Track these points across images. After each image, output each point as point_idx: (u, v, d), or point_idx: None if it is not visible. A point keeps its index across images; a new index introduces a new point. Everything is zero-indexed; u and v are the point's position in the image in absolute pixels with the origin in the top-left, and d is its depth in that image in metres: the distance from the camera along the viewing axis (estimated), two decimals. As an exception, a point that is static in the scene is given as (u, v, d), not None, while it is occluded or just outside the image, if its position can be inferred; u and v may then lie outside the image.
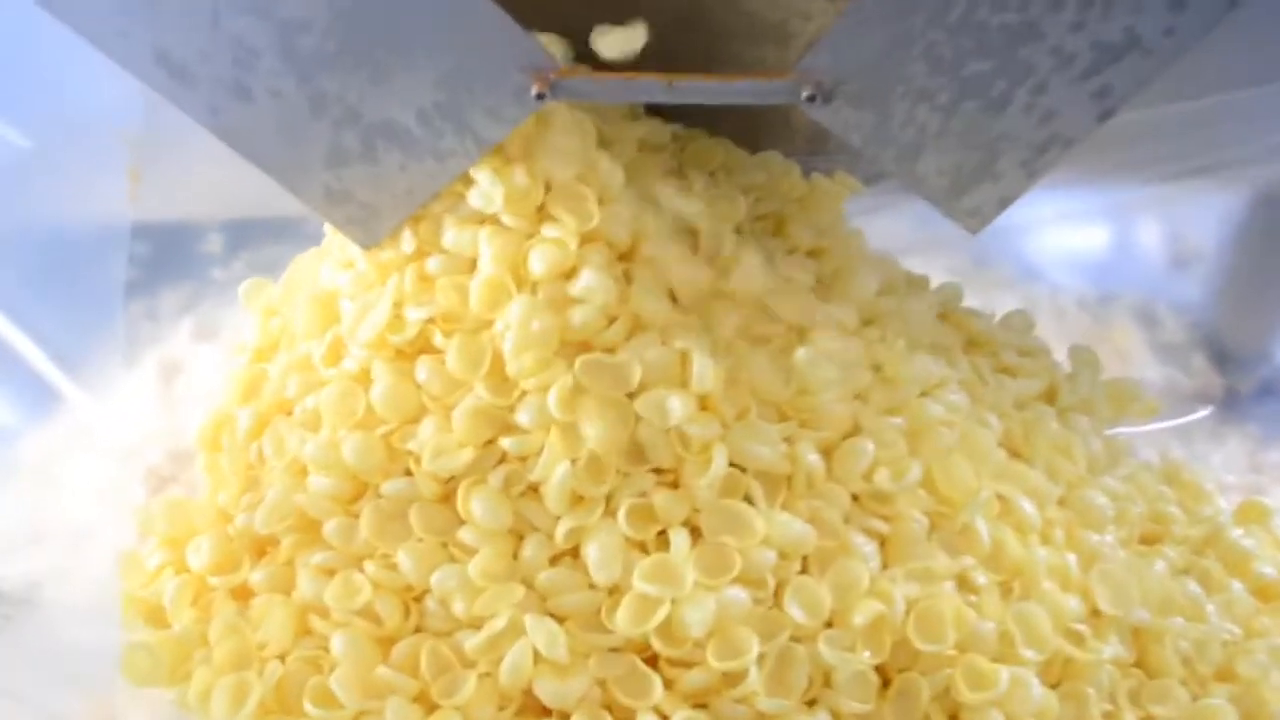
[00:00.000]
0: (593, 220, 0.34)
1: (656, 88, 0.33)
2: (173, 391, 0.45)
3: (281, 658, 0.33)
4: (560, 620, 0.33)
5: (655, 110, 0.41)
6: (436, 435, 0.34)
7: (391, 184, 0.34)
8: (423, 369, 0.35)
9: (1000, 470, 0.37)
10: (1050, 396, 0.42)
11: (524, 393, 0.34)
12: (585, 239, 0.35)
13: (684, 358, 0.35)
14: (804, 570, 0.34)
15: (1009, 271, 0.56)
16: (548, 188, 0.35)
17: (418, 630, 0.34)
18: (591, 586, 0.33)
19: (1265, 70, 0.48)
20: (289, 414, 0.36)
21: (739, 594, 0.33)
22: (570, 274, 0.35)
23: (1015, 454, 0.39)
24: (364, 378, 0.35)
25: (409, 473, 0.34)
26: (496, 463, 0.34)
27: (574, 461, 0.33)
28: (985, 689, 0.33)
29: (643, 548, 0.33)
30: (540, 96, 0.32)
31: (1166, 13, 0.32)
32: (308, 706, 0.32)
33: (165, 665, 0.33)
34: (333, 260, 0.37)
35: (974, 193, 0.36)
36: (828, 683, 0.33)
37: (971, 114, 0.34)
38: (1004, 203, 0.36)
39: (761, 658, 0.32)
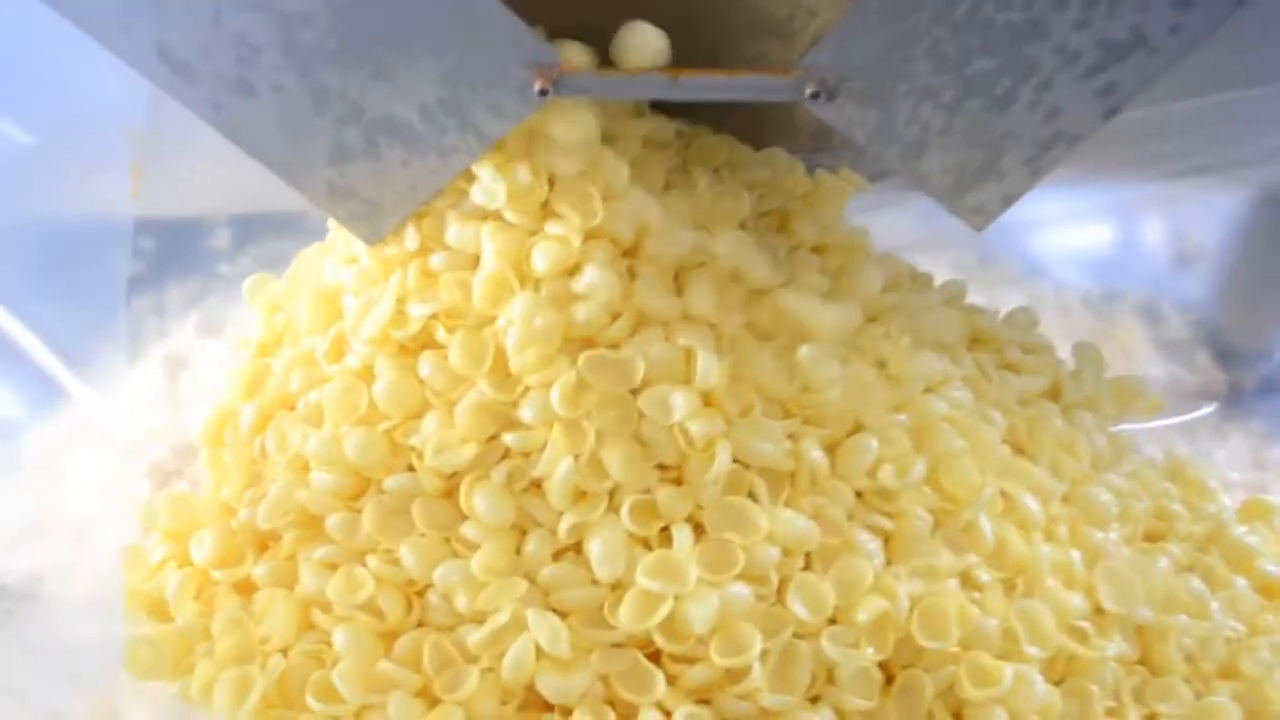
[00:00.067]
0: (597, 217, 0.34)
1: (660, 84, 0.33)
2: (178, 386, 0.45)
3: (284, 652, 0.33)
4: (563, 616, 0.32)
5: (659, 107, 0.40)
6: (439, 431, 0.33)
7: (394, 180, 0.34)
8: (426, 365, 0.34)
9: (1004, 467, 0.37)
10: (1054, 393, 0.42)
11: (527, 389, 0.33)
12: (589, 235, 0.34)
13: (688, 354, 0.34)
14: (807, 567, 0.34)
15: (1013, 268, 0.55)
16: (551, 184, 0.35)
17: (420, 625, 0.33)
18: (594, 582, 0.33)
19: (1270, 69, 0.48)
20: (292, 409, 0.36)
21: (742, 590, 0.32)
22: (573, 270, 0.34)
23: (1019, 451, 0.39)
24: (367, 373, 0.35)
25: (412, 468, 0.34)
26: (499, 458, 0.34)
27: (577, 457, 0.33)
28: (989, 686, 0.32)
29: (646, 544, 0.33)
30: (543, 93, 0.32)
31: (1172, 11, 0.32)
32: (310, 701, 0.31)
33: (168, 659, 0.33)
34: (336, 256, 0.37)
35: (978, 190, 0.35)
36: (831, 679, 0.33)
37: (976, 111, 0.34)
38: (1008, 200, 0.36)
39: (764, 654, 0.32)
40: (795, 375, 0.35)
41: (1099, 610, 0.36)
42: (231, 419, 0.37)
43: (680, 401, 0.33)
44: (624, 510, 0.33)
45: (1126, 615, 0.36)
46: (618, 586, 0.33)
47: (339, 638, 0.32)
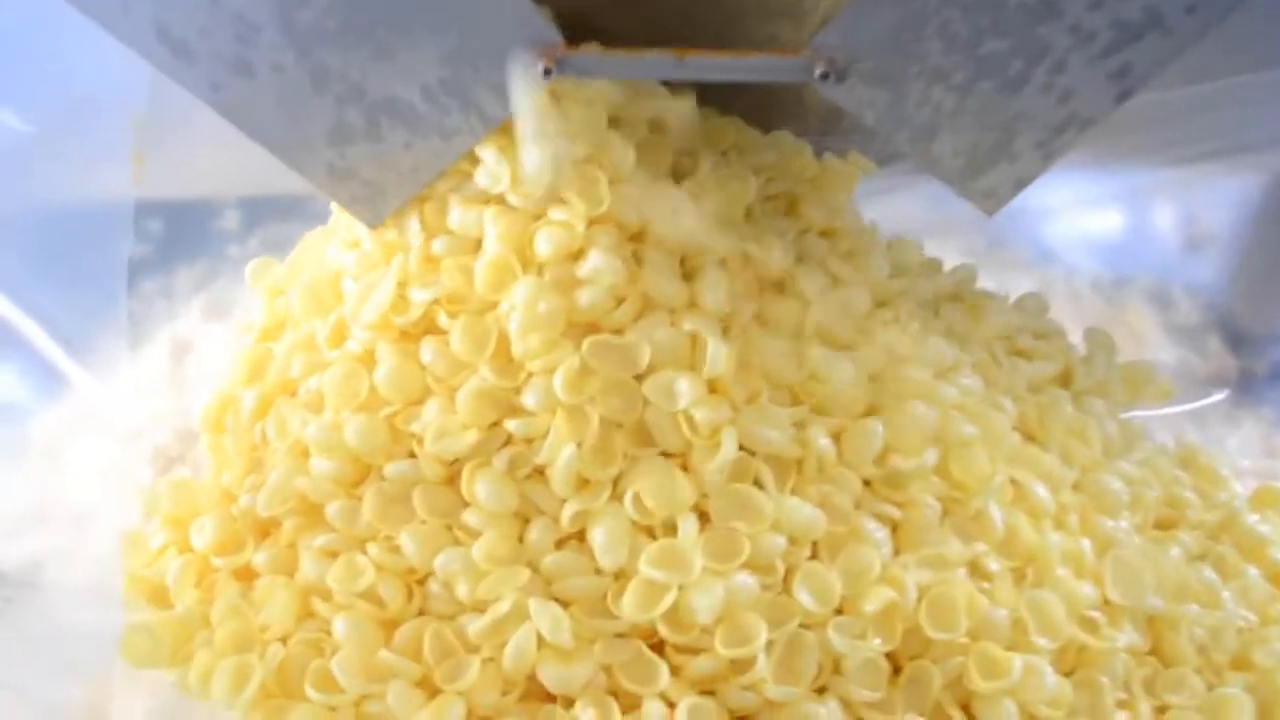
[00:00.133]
0: (603, 204, 0.33)
1: (667, 63, 0.32)
2: (183, 370, 0.44)
3: (283, 640, 0.32)
4: (565, 605, 0.31)
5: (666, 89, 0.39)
6: (440, 417, 0.32)
7: (396, 162, 0.33)
8: (427, 350, 0.33)
9: (1014, 455, 0.36)
10: (1065, 380, 0.41)
11: (530, 374, 0.32)
12: (594, 220, 0.33)
13: (693, 340, 0.33)
14: (814, 556, 0.33)
15: (1023, 254, 0.54)
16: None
17: (421, 613, 0.32)
18: (597, 571, 0.32)
19: (1282, 53, 0.46)
20: (293, 395, 0.35)
21: (748, 580, 0.31)
22: (578, 255, 0.33)
23: (1029, 438, 0.37)
24: (368, 359, 0.34)
25: (413, 455, 0.33)
26: (501, 445, 0.33)
27: (580, 444, 0.32)
28: (998, 677, 0.31)
29: (650, 532, 0.32)
30: (547, 73, 0.31)
31: (1188, -10, 0.31)
32: (309, 690, 0.30)
33: (166, 647, 0.32)
34: (338, 240, 0.36)
35: (990, 174, 0.34)
36: (837, 670, 0.32)
37: (988, 93, 0.32)
38: (1020, 184, 0.35)
39: (770, 645, 0.31)
40: (804, 363, 0.34)
41: (1109, 600, 0.34)
42: (232, 404, 0.36)
43: (685, 388, 0.32)
44: (628, 498, 0.32)
45: (1137, 605, 0.34)
46: (621, 576, 0.32)
47: (339, 626, 0.31)
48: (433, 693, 0.31)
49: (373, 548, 0.32)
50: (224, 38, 0.31)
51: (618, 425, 0.32)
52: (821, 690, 0.31)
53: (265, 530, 0.34)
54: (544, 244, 0.33)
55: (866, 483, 0.34)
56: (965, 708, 0.32)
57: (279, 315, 0.37)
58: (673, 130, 0.37)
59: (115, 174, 0.44)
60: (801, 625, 0.31)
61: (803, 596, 0.32)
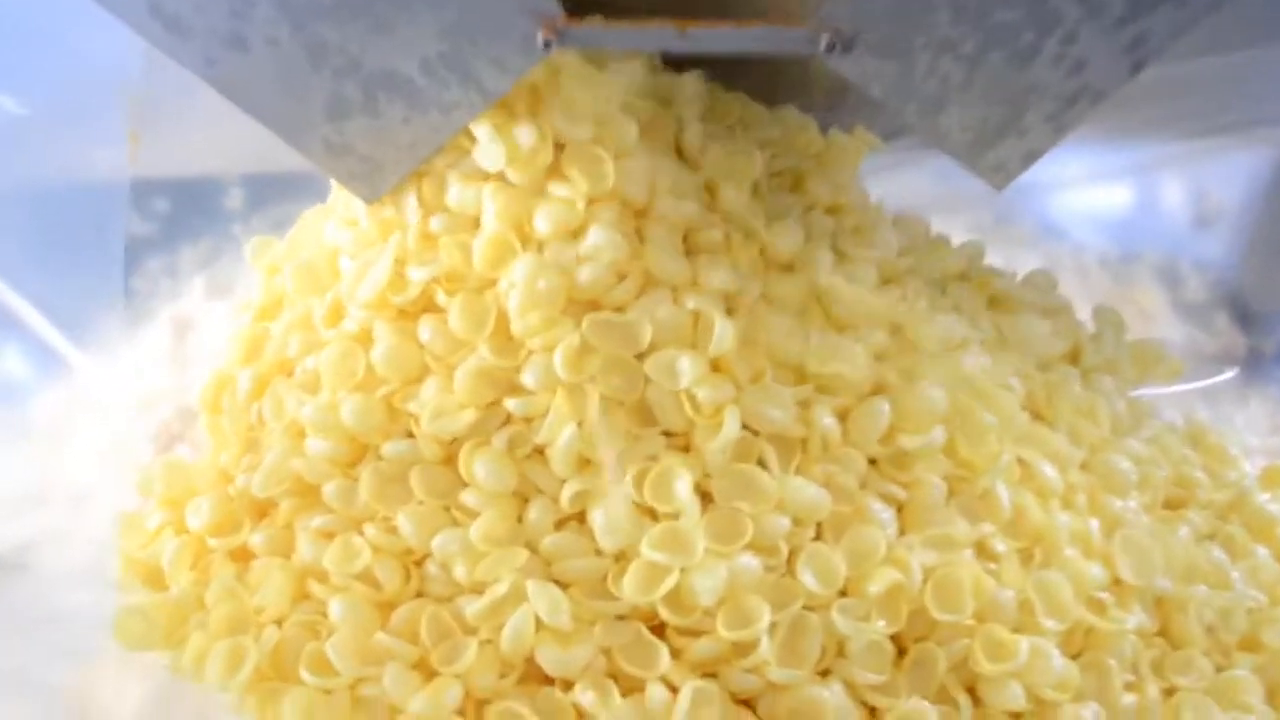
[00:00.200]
0: (607, 182, 0.32)
1: (669, 35, 0.30)
2: (184, 349, 0.43)
3: (279, 623, 0.31)
4: (565, 586, 0.30)
5: (670, 63, 0.37)
6: (438, 396, 0.31)
7: (394, 137, 0.32)
8: (425, 328, 0.32)
9: (1022, 433, 0.35)
10: (1074, 357, 0.40)
11: (529, 353, 0.31)
12: (595, 197, 0.32)
13: (696, 317, 0.32)
14: (818, 537, 0.32)
15: (1031, 230, 0.52)
16: (558, 144, 0.32)
17: (418, 595, 0.31)
18: (597, 552, 0.30)
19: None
20: (291, 375, 0.34)
21: (750, 561, 0.30)
22: (578, 233, 0.32)
23: (1038, 416, 0.36)
24: (365, 338, 0.33)
25: (410, 435, 0.32)
26: (501, 424, 0.32)
27: (580, 424, 0.30)
28: (1004, 660, 0.30)
29: (651, 513, 0.31)
30: (547, 44, 0.30)
31: (1204, -42, 0.29)
32: (304, 673, 0.29)
33: (159, 629, 0.31)
34: (337, 217, 0.35)
35: (999, 147, 0.33)
36: (841, 653, 0.31)
37: (997, 65, 0.31)
38: (1030, 158, 0.33)
39: (773, 627, 0.30)
40: (809, 341, 0.33)
41: (1118, 581, 0.33)
42: (229, 384, 0.35)
43: (688, 366, 0.31)
44: (628, 478, 0.31)
45: (1146, 586, 0.33)
46: (621, 557, 0.30)
47: (334, 608, 0.30)
48: (429, 675, 0.30)
49: (370, 529, 0.31)
50: (218, 12, 0.30)
51: (618, 404, 0.31)
52: (825, 673, 0.30)
53: (262, 511, 0.33)
54: (543, 221, 0.32)
55: (872, 462, 0.33)
56: (971, 690, 0.31)
57: (277, 294, 0.36)
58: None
59: (112, 153, 0.43)
60: (805, 607, 0.30)
61: (806, 578, 0.30)
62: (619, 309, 0.32)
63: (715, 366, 0.32)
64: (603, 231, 0.31)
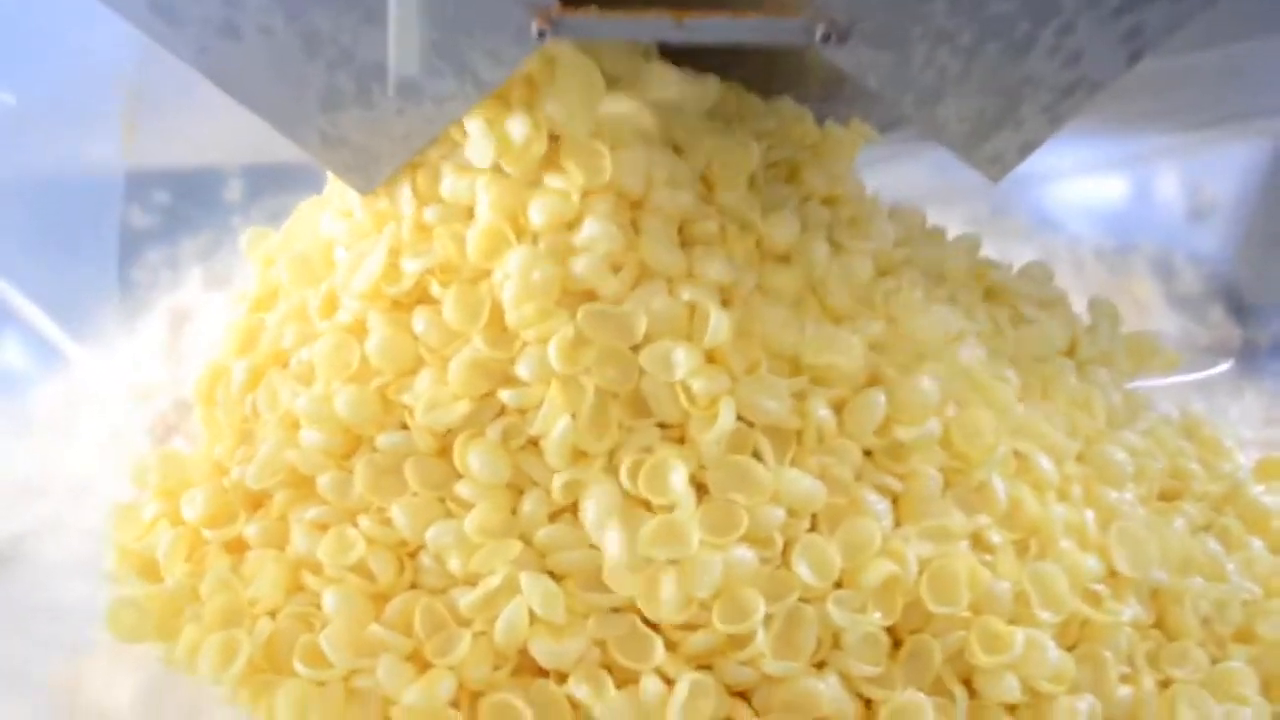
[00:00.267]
0: (604, 175, 0.31)
1: (665, 25, 0.30)
2: (182, 340, 0.42)
3: (272, 614, 0.30)
4: (559, 579, 0.30)
5: (665, 56, 0.37)
6: (432, 388, 0.31)
7: (388, 128, 0.31)
8: (420, 320, 0.31)
9: (1018, 425, 0.34)
10: (1070, 349, 0.39)
11: (524, 344, 0.31)
12: (590, 188, 0.31)
13: (692, 309, 0.31)
14: (813, 529, 0.31)
15: (1026, 222, 0.52)
16: (553, 136, 0.31)
17: (412, 587, 0.30)
18: (592, 545, 0.30)
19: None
20: (285, 366, 0.33)
21: (746, 553, 0.30)
22: (573, 224, 0.31)
23: (1033, 409, 0.35)
24: (359, 329, 0.32)
25: (405, 426, 0.31)
26: (495, 415, 0.31)
27: (575, 415, 0.30)
28: (1000, 652, 0.30)
29: (646, 505, 0.30)
30: (542, 35, 0.29)
31: (1203, -52, 0.28)
32: (297, 665, 0.29)
33: (152, 620, 0.30)
34: (332, 209, 0.34)
35: (995, 139, 0.32)
36: (837, 645, 0.30)
37: (994, 55, 0.30)
38: (1026, 149, 0.32)
39: (768, 619, 0.29)
40: (804, 333, 0.32)
41: (1113, 573, 0.33)
42: (224, 376, 0.34)
43: (683, 358, 0.30)
44: (623, 470, 0.30)
45: (1142, 578, 0.33)
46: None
47: (328, 600, 0.30)
48: (423, 667, 0.29)
49: (364, 520, 0.31)
50: (211, 1, 0.29)
51: (613, 396, 0.31)
52: (821, 665, 0.30)
53: (257, 502, 0.32)
54: (538, 213, 0.31)
55: (867, 454, 0.32)
56: (966, 682, 0.30)
57: (272, 285, 0.35)
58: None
59: (108, 146, 0.42)
60: (800, 599, 0.30)
61: (802, 570, 0.30)
62: (614, 300, 0.31)
63: (710, 358, 0.31)
64: (598, 223, 0.31)
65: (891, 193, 0.39)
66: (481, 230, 0.31)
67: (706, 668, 0.29)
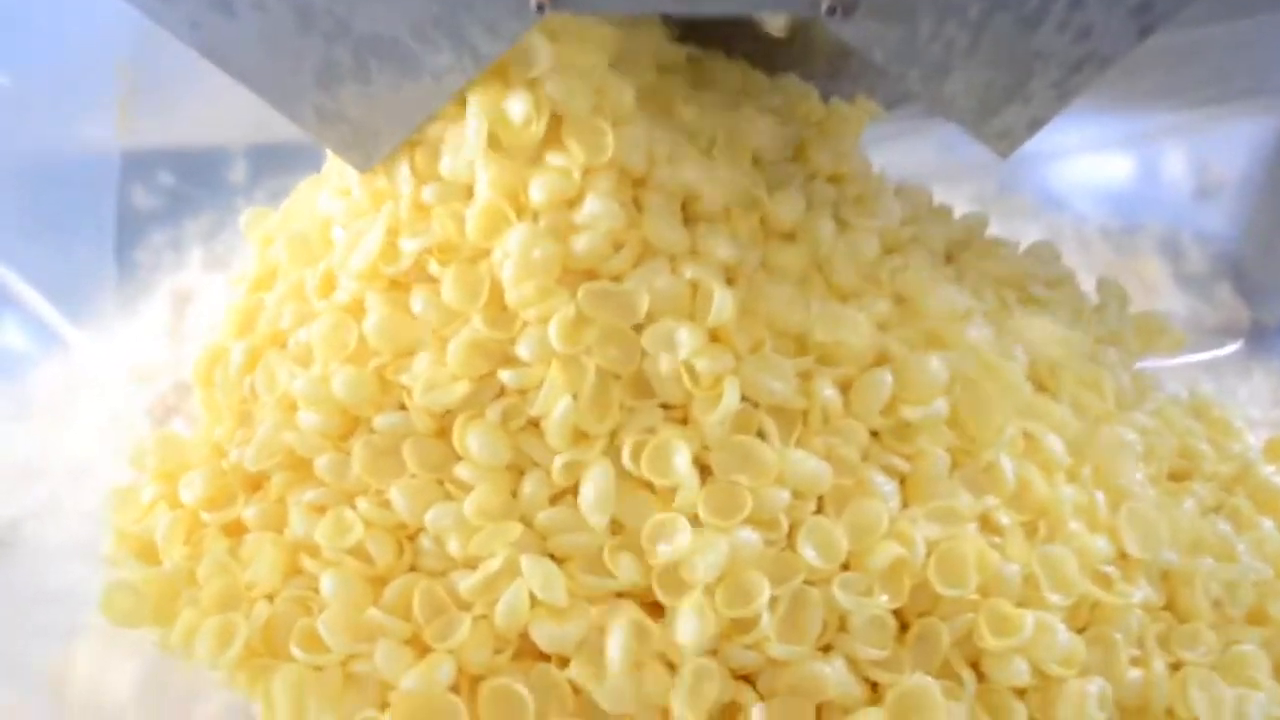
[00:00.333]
0: (606, 153, 0.30)
1: (667, -3, 0.29)
2: (183, 321, 0.41)
3: (270, 598, 0.29)
4: (560, 561, 0.29)
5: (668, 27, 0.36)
6: (430, 368, 0.29)
7: (386, 104, 0.30)
8: (418, 299, 0.30)
9: (1026, 405, 0.33)
10: (1078, 328, 0.38)
11: (524, 324, 0.29)
12: (593, 166, 0.30)
13: (695, 287, 0.30)
14: (819, 510, 0.30)
15: (1032, 200, 0.50)
16: (554, 113, 0.30)
17: (411, 570, 0.29)
18: (594, 527, 0.29)
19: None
20: (284, 347, 0.32)
21: (750, 536, 0.29)
22: (574, 202, 0.30)
23: (1041, 388, 0.34)
24: (357, 309, 0.31)
25: (403, 407, 0.30)
26: (495, 396, 0.30)
27: (576, 396, 0.29)
28: (1009, 635, 0.29)
29: (649, 487, 0.29)
30: (540, 8, 0.28)
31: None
32: (294, 649, 0.28)
33: (148, 604, 0.29)
34: (330, 187, 0.33)
35: (1004, 114, 0.31)
36: (843, 628, 0.29)
37: (1003, 30, 0.29)
38: (1035, 124, 0.31)
39: (773, 602, 0.28)
40: (809, 312, 0.31)
41: (1123, 554, 0.32)
42: (222, 357, 0.33)
43: (686, 337, 0.29)
44: (625, 451, 0.29)
45: (1153, 559, 0.31)
46: (618, 532, 0.29)
47: (326, 583, 0.29)
48: (422, 651, 0.28)
49: (362, 502, 0.30)
50: (203, -25, 0.28)
51: (615, 376, 0.29)
52: (827, 649, 0.29)
53: (256, 484, 0.31)
54: (538, 190, 0.30)
55: (874, 434, 0.31)
56: (975, 666, 0.29)
57: (271, 265, 0.34)
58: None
59: (105, 126, 0.41)
60: (806, 582, 0.29)
61: (807, 552, 0.29)
62: (616, 278, 0.30)
63: (714, 337, 0.30)
64: (599, 200, 0.30)
65: (897, 171, 0.38)
66: (481, 208, 0.30)
67: (711, 652, 0.28)
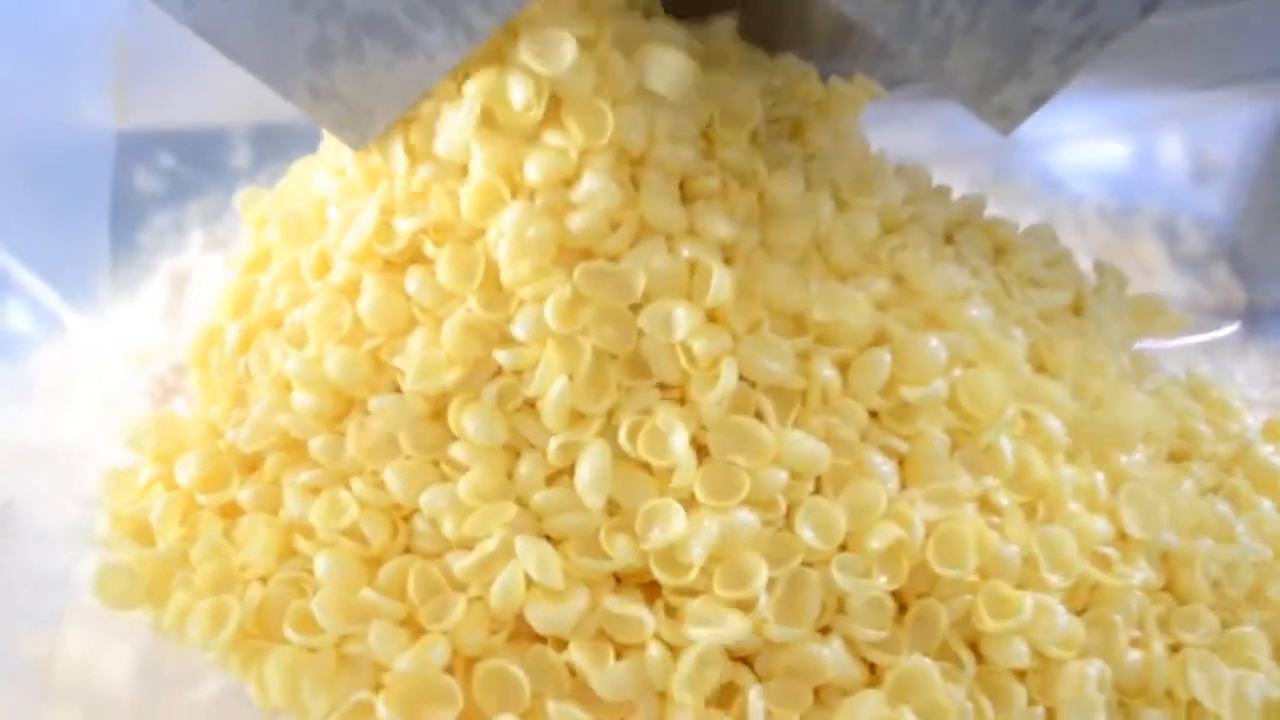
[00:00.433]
0: (605, 135, 0.28)
1: (664, -28, 0.27)
2: (183, 302, 0.40)
3: (264, 580, 0.28)
4: (557, 542, 0.27)
5: (667, 10, 0.34)
6: (424, 351, 0.28)
7: (379, 81, 0.28)
8: (413, 280, 0.29)
9: (1026, 386, 0.32)
10: (1077, 309, 0.36)
11: (520, 303, 0.28)
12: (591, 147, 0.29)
13: (693, 267, 0.29)
14: (817, 491, 0.29)
15: (1030, 184, 0.49)
16: (553, 93, 0.29)
17: (406, 551, 0.28)
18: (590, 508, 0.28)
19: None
20: (279, 328, 0.31)
21: (748, 517, 0.27)
22: (571, 181, 0.29)
23: (1041, 368, 0.33)
24: (351, 290, 0.29)
25: (398, 388, 0.29)
26: (491, 377, 0.29)
27: (572, 376, 0.28)
28: (1008, 617, 0.28)
29: (646, 468, 0.28)
30: (535, -17, 0.27)
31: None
32: (288, 631, 0.27)
33: (142, 586, 0.28)
34: (326, 166, 0.32)
35: (1005, 91, 0.29)
36: (841, 610, 0.28)
37: (1004, 5, 0.28)
38: (1037, 101, 0.30)
39: (771, 584, 0.27)
40: (808, 291, 0.30)
41: (1123, 535, 0.31)
42: (218, 338, 0.32)
43: (683, 317, 0.28)
44: (622, 431, 0.28)
45: (1153, 540, 0.30)
46: (615, 513, 0.28)
47: (320, 564, 0.27)
48: (417, 633, 0.27)
49: (357, 483, 0.28)
50: (195, -50, 0.27)
51: (611, 356, 0.28)
52: (825, 630, 0.28)
53: (252, 466, 0.30)
54: (534, 169, 0.28)
55: (873, 415, 0.30)
56: (974, 647, 0.28)
57: (266, 246, 0.33)
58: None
59: (102, 108, 0.40)
60: (804, 563, 0.28)
61: (805, 533, 0.28)
62: (612, 258, 0.29)
63: (712, 317, 0.29)
64: (596, 178, 0.28)
65: (893, 154, 0.37)
66: (476, 187, 0.28)
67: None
